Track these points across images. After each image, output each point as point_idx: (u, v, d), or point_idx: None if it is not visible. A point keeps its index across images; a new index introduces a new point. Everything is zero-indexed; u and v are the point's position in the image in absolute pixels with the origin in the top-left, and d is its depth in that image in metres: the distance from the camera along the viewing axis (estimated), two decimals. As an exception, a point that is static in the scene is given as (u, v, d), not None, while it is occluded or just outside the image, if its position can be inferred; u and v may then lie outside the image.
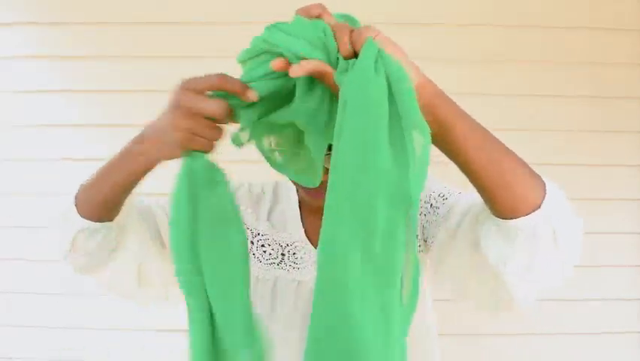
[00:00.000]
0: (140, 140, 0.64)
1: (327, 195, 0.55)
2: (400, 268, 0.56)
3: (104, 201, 0.70)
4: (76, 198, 0.74)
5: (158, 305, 0.86)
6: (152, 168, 0.65)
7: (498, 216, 0.62)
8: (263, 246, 0.88)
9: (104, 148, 1.76)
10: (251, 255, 0.88)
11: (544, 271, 0.64)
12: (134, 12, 1.81)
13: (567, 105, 1.81)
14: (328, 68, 0.55)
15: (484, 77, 1.81)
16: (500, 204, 0.60)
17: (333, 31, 0.56)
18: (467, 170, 0.61)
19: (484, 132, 0.62)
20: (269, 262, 0.88)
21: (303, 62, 0.54)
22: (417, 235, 0.83)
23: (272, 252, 0.88)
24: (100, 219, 0.72)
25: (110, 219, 0.73)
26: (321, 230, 0.56)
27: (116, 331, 1.81)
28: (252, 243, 0.89)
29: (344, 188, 0.54)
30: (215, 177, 0.62)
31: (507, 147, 0.62)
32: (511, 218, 0.60)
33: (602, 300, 1.82)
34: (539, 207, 0.60)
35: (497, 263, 0.63)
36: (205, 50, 1.76)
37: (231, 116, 0.60)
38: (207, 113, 0.57)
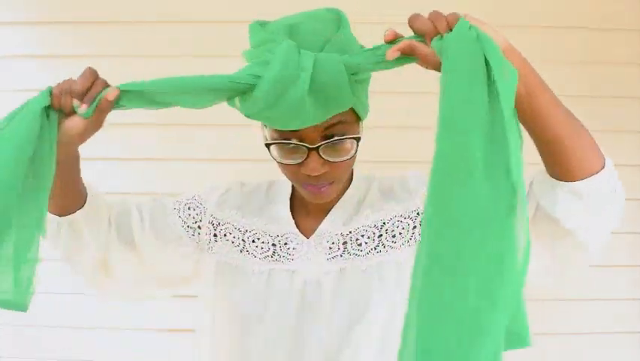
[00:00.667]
0: None
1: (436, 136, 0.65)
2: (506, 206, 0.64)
3: (54, 193, 0.74)
4: None
5: (123, 301, 0.90)
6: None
7: (566, 180, 0.70)
8: (254, 241, 0.89)
9: (103, 148, 1.78)
10: (245, 252, 0.89)
11: (609, 220, 0.77)
12: (134, 11, 1.81)
13: (567, 105, 1.81)
14: (417, 43, 0.68)
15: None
16: (572, 166, 0.69)
17: (430, 16, 0.67)
18: (545, 135, 0.70)
19: (561, 104, 0.70)
20: (262, 255, 0.88)
21: (400, 44, 0.68)
22: (416, 233, 0.87)
23: (263, 245, 0.89)
24: (58, 213, 0.80)
25: (64, 214, 0.80)
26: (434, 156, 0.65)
27: (116, 330, 1.81)
28: (244, 240, 0.90)
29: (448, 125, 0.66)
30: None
31: (574, 116, 0.71)
32: (580, 179, 0.69)
33: (603, 300, 1.83)
34: (603, 168, 0.70)
35: (571, 220, 0.71)
36: (204, 49, 1.77)
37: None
38: (74, 86, 0.71)
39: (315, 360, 0.82)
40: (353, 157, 0.80)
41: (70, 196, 0.81)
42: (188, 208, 0.92)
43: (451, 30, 0.64)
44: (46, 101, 0.70)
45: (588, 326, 1.83)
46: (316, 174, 0.76)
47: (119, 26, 1.81)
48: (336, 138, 0.75)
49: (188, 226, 0.92)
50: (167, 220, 0.92)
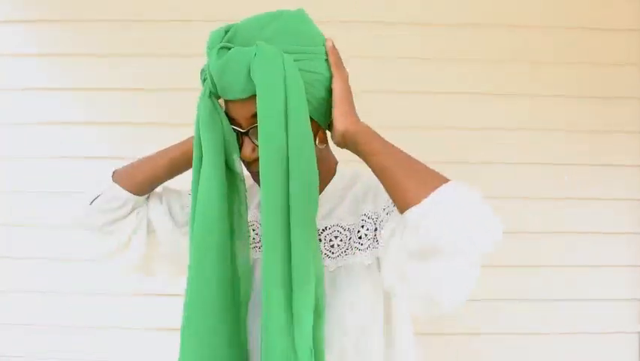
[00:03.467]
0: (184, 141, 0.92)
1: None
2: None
3: (141, 178, 0.91)
4: (114, 172, 0.94)
5: (132, 274, 0.99)
6: (188, 157, 0.87)
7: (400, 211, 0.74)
8: (249, 233, 0.94)
9: (104, 147, 1.77)
10: None
11: (432, 270, 0.70)
12: (135, 10, 1.81)
13: (567, 105, 1.81)
14: None
15: (483, 76, 1.81)
16: (395, 200, 0.74)
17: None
18: (377, 172, 0.76)
19: (388, 145, 0.77)
20: (252, 245, 0.94)
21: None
22: (374, 237, 0.88)
23: (255, 236, 0.94)
24: (129, 190, 0.91)
25: (134, 192, 0.92)
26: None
27: (117, 329, 1.81)
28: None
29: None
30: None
31: (411, 157, 0.76)
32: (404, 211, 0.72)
33: (602, 300, 1.82)
34: (419, 202, 0.70)
35: (397, 251, 0.75)
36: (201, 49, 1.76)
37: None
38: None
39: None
40: None
41: (151, 183, 0.94)
42: None
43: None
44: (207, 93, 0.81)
45: (587, 326, 1.82)
46: (247, 159, 0.83)
47: (118, 25, 1.81)
48: (256, 124, 0.80)
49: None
50: (182, 202, 0.99)
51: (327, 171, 0.91)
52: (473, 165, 1.80)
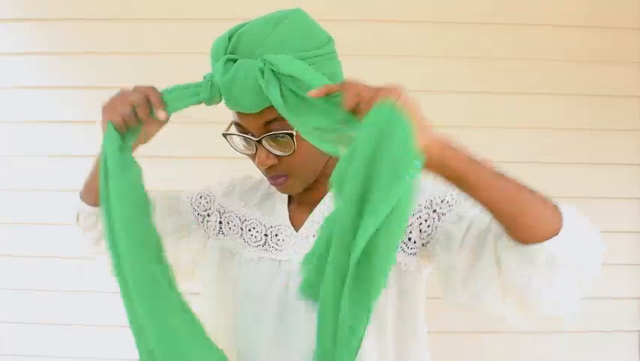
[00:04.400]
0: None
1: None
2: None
3: (94, 187, 0.84)
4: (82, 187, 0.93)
5: None
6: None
7: (518, 241, 0.69)
8: (250, 230, 0.95)
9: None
10: (241, 240, 0.95)
11: (562, 293, 0.73)
12: (135, 9, 1.81)
13: (566, 104, 1.81)
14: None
15: (483, 75, 1.81)
16: (518, 233, 0.69)
17: (344, 86, 0.68)
18: (486, 207, 0.69)
19: (496, 174, 0.69)
20: (255, 244, 0.94)
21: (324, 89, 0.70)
22: (410, 239, 0.86)
23: (256, 234, 0.94)
24: (95, 204, 0.88)
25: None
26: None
27: (117, 328, 1.82)
28: (242, 229, 0.96)
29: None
30: (125, 161, 0.78)
31: (520, 183, 0.69)
32: (531, 243, 0.68)
33: (602, 298, 1.83)
34: (557, 234, 0.68)
35: (521, 283, 0.71)
36: (203, 46, 1.76)
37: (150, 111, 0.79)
38: (130, 98, 0.78)
39: (298, 351, 0.85)
40: (300, 153, 0.81)
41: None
42: (200, 197, 1.01)
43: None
44: (116, 138, 0.78)
45: (587, 325, 1.82)
46: (263, 165, 0.81)
47: (118, 23, 1.81)
48: (272, 132, 0.79)
49: (198, 214, 1.00)
50: (180, 208, 1.00)
51: None
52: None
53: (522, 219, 0.68)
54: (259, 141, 0.80)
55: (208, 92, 0.79)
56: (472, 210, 0.80)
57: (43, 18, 1.81)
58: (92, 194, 0.88)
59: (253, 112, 0.77)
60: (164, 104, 0.79)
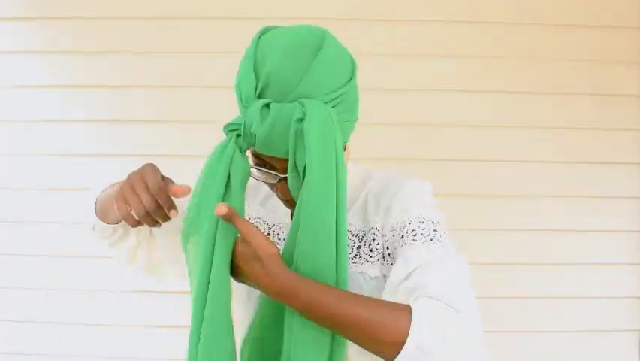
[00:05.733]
0: (114, 196, 0.81)
1: None
2: None
3: (113, 217, 0.88)
4: (95, 202, 0.92)
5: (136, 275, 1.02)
6: None
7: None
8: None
9: (104, 144, 1.77)
10: None
11: None
12: (135, 8, 1.80)
13: (566, 103, 1.81)
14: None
15: (482, 74, 1.81)
16: (371, 348, 0.69)
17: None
18: (334, 330, 0.72)
19: (325, 301, 0.70)
20: None
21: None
22: (371, 250, 0.85)
23: None
24: (109, 223, 0.91)
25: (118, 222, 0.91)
26: None
27: (117, 327, 1.82)
28: None
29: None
30: None
31: (348, 302, 0.70)
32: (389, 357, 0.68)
33: (602, 298, 1.82)
34: (403, 346, 0.65)
35: None
36: (203, 47, 1.76)
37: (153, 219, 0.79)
38: (136, 208, 0.77)
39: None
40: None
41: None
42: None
43: None
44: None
45: (587, 324, 1.82)
46: (285, 197, 0.82)
47: (119, 23, 1.80)
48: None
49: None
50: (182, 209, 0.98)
51: None
52: (471, 162, 1.79)
53: (365, 339, 0.68)
54: (284, 178, 0.78)
55: (245, 145, 0.76)
56: (431, 258, 0.77)
57: (43, 17, 1.81)
58: (111, 217, 0.88)
59: (286, 157, 0.75)
60: (174, 205, 0.78)
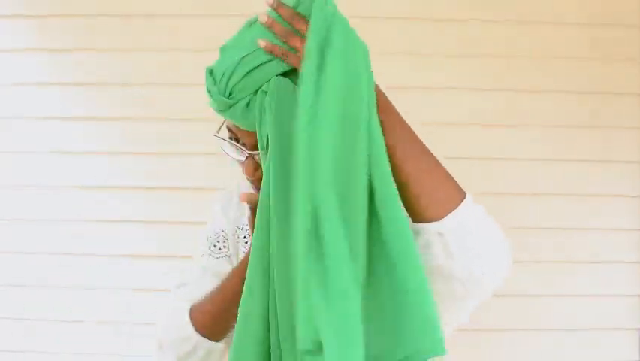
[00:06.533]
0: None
1: None
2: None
3: (217, 316, 0.82)
4: (191, 317, 0.85)
5: None
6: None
7: (423, 221, 0.69)
8: (245, 238, 0.94)
9: (104, 142, 1.77)
10: (241, 249, 0.95)
11: (487, 254, 0.69)
12: (135, 7, 1.81)
13: (566, 101, 1.81)
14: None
15: (482, 72, 1.81)
16: (423, 206, 0.69)
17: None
18: (396, 175, 0.68)
19: (418, 141, 0.72)
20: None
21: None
22: None
23: (247, 237, 0.94)
24: (211, 337, 0.84)
25: (217, 339, 0.84)
26: None
27: (117, 324, 1.82)
28: (238, 238, 0.96)
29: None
30: None
31: (435, 162, 0.71)
32: (436, 219, 0.68)
33: (602, 296, 1.83)
34: (460, 204, 0.68)
35: (437, 260, 0.69)
36: (206, 43, 1.76)
37: None
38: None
39: None
40: None
41: (226, 322, 0.83)
42: (214, 246, 0.96)
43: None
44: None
45: (587, 323, 1.82)
46: (250, 177, 0.80)
47: (120, 20, 1.80)
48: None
49: (223, 256, 0.96)
50: (218, 269, 0.94)
51: None
52: (471, 160, 1.80)
53: (425, 191, 0.68)
54: (251, 154, 0.78)
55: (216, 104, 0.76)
56: None
57: (43, 15, 1.81)
58: (212, 322, 0.83)
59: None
60: None
